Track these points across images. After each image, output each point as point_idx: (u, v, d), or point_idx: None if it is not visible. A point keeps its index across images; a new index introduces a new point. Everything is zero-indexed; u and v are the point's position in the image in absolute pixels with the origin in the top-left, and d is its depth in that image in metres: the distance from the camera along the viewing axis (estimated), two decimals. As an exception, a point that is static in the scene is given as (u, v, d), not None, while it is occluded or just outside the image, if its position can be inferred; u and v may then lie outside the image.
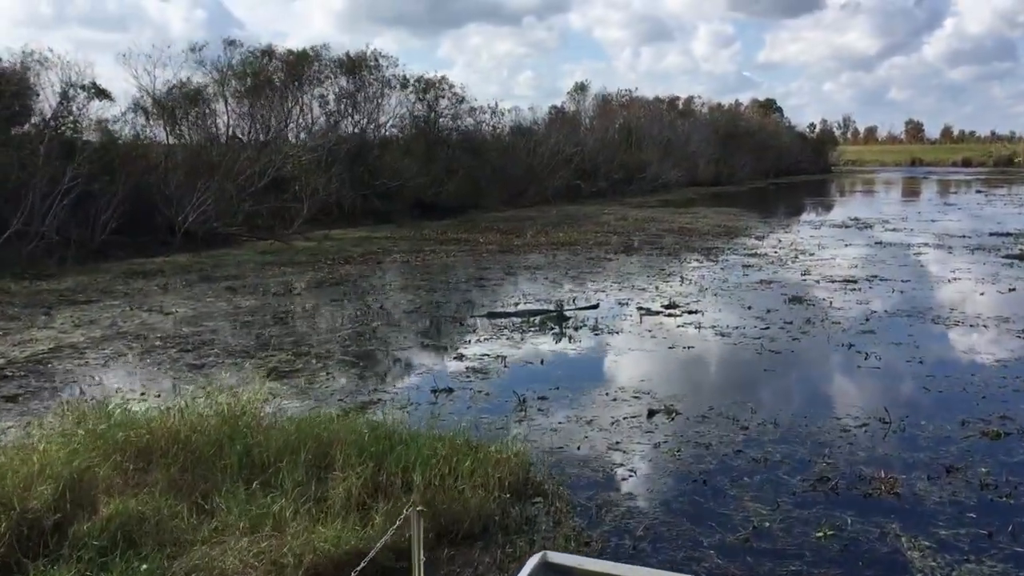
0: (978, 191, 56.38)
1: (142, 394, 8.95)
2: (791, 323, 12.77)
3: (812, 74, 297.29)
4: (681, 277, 17.53)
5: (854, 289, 15.96)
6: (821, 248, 22.81)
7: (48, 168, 18.00)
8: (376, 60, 31.73)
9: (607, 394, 9.17)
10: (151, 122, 25.49)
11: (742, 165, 64.88)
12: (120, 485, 5.86)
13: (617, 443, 7.58)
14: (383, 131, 33.33)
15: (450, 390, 9.26)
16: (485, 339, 11.90)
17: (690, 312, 13.70)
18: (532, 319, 13.11)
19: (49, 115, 21.81)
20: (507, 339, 11.83)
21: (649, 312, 13.75)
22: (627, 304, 14.48)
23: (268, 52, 29.87)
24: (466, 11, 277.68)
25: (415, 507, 3.34)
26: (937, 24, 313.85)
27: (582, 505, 6.18)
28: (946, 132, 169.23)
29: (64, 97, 22.06)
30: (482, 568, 5.23)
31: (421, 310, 14.04)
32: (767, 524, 5.95)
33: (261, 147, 26.27)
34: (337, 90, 31.23)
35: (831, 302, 14.60)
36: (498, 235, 25.85)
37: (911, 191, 61.66)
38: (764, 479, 6.76)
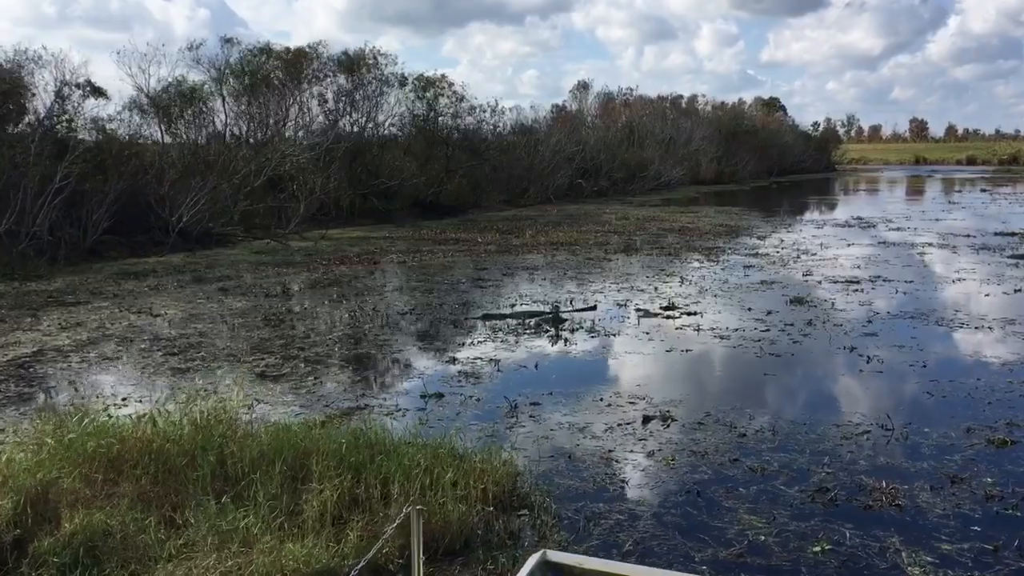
0: (983, 190, 56.03)
1: (123, 399, 8.72)
2: (792, 325, 12.52)
3: (816, 73, 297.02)
4: (681, 277, 17.28)
5: (857, 290, 15.69)
6: (823, 248, 22.54)
7: (39, 167, 17.78)
8: (375, 58, 31.51)
9: (602, 399, 8.91)
10: (147, 121, 25.26)
11: (745, 164, 64.59)
12: (88, 497, 5.62)
13: (610, 451, 7.33)
14: (382, 130, 33.09)
15: (440, 395, 9.01)
16: (479, 342, 11.66)
17: (689, 313, 13.44)
18: (528, 321, 12.86)
19: (44, 114, 21.61)
20: (501, 342, 11.58)
21: (647, 314, 13.50)
22: (625, 305, 14.23)
23: (266, 50, 29.66)
24: (469, 10, 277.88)
25: (415, 506, 3.26)
26: (941, 23, 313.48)
27: (569, 517, 5.93)
28: (950, 131, 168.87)
29: (59, 95, 21.86)
30: (462, 586, 5.00)
31: (415, 312, 13.79)
32: (762, 538, 5.69)
33: (258, 146, 26.02)
34: (336, 88, 31.00)
35: (833, 303, 14.34)
36: (497, 235, 25.60)
37: (915, 190, 61.34)
38: (760, 490, 6.50)
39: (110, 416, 7.67)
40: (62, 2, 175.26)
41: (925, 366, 10.25)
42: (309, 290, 16.09)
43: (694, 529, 5.83)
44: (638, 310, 13.79)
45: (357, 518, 5.22)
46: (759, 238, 25.46)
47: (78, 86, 23.32)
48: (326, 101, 30.70)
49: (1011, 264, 19.25)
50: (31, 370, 9.97)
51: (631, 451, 7.34)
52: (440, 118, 34.41)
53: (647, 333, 12.14)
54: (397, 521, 3.90)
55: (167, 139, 25.55)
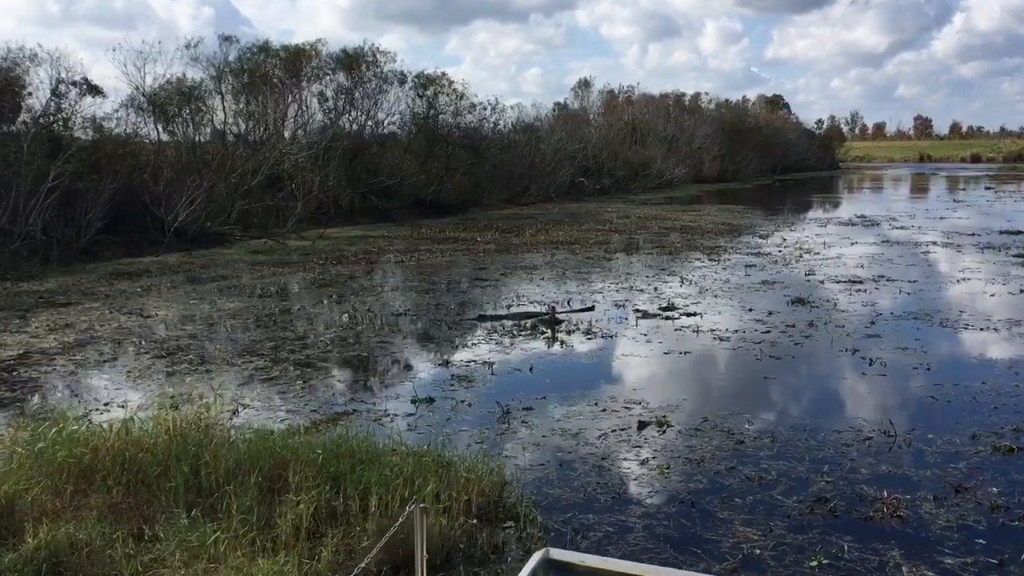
0: (987, 187, 55.67)
1: (105, 404, 8.51)
2: (793, 326, 12.27)
3: (820, 70, 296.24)
4: (681, 277, 17.04)
5: (860, 290, 15.44)
6: (826, 247, 22.28)
7: (32, 166, 17.58)
8: (374, 56, 31.29)
9: (596, 404, 8.68)
10: (144, 119, 25.07)
11: (748, 162, 64.30)
12: (57, 509, 5.42)
13: (602, 459, 7.10)
14: (382, 128, 32.85)
15: (431, 400, 8.79)
16: (473, 344, 11.44)
17: (689, 314, 13.20)
18: (524, 322, 12.63)
19: (39, 112, 21.44)
20: (496, 344, 11.35)
21: (646, 315, 13.26)
22: (624, 306, 13.99)
23: (264, 48, 29.45)
24: (473, 8, 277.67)
25: (418, 504, 3.18)
26: (946, 20, 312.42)
27: (557, 529, 5.69)
28: (955, 128, 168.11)
29: (55, 93, 21.69)
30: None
31: (410, 313, 13.57)
32: (757, 551, 5.46)
33: (255, 145, 25.81)
34: (335, 86, 30.76)
35: (835, 304, 14.10)
36: (497, 234, 25.38)
37: (919, 187, 60.98)
38: (757, 500, 6.27)
39: (90, 422, 7.51)
40: (66, 0, 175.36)
41: (929, 369, 10.01)
42: (304, 290, 15.88)
43: (687, 542, 5.60)
44: (636, 311, 13.56)
45: (333, 532, 5.00)
46: (761, 237, 25.21)
47: (75, 84, 23.17)
48: (326, 99, 30.49)
49: (1016, 263, 18.98)
50: (14, 374, 9.76)
51: (624, 459, 7.11)
52: (440, 116, 34.17)
53: (645, 335, 11.91)
54: (401, 519, 3.84)
55: (165, 138, 25.39)
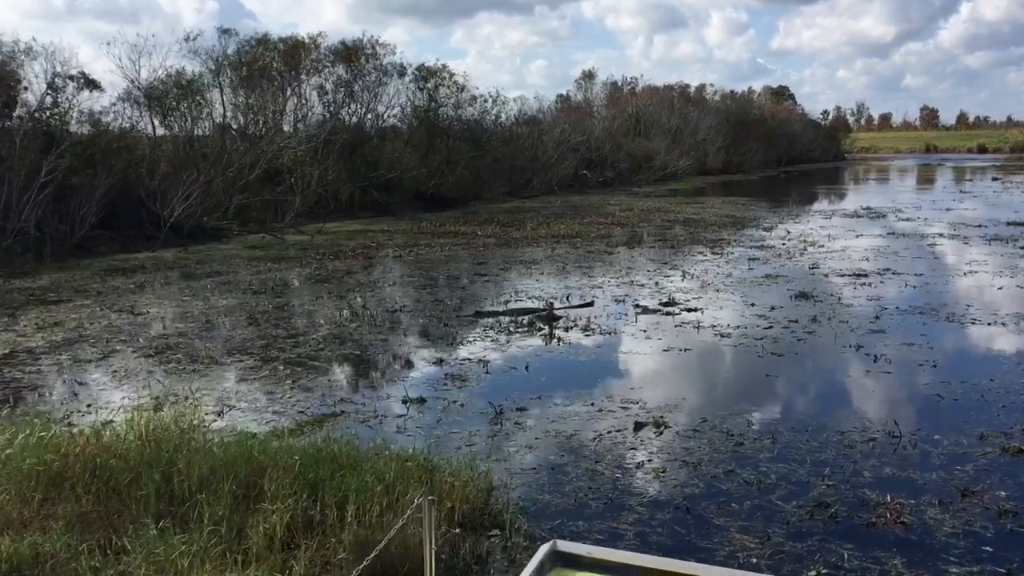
0: (994, 178, 55.19)
1: (88, 406, 8.29)
2: (796, 322, 12.01)
3: (826, 61, 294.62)
4: (683, 271, 16.77)
5: (864, 284, 15.17)
6: (831, 239, 21.97)
7: (25, 161, 17.37)
8: (373, 48, 30.98)
9: (592, 404, 8.44)
10: (141, 113, 24.85)
11: (753, 153, 63.87)
12: (25, 518, 5.21)
13: (596, 462, 6.86)
14: (382, 121, 32.55)
15: (422, 400, 8.56)
16: (469, 341, 11.21)
17: (690, 310, 12.94)
18: (521, 319, 12.39)
19: (34, 106, 21.24)
20: (492, 341, 11.12)
21: (646, 310, 13.01)
22: (624, 301, 13.74)
23: (263, 41, 29.18)
24: (477, 0, 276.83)
25: (427, 496, 3.21)
26: (953, 9, 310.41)
27: (543, 538, 5.41)
28: (961, 118, 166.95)
29: (51, 88, 21.48)
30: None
31: (406, 309, 13.34)
32: (754, 560, 5.23)
33: (253, 138, 25.57)
34: (335, 79, 30.47)
35: (840, 298, 13.83)
36: (498, 228, 25.11)
37: (925, 179, 60.53)
38: (755, 505, 6.03)
39: (70, 425, 7.32)
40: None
41: (935, 365, 9.74)
42: (299, 287, 15.66)
43: (680, 550, 5.35)
44: (636, 306, 13.31)
45: (308, 543, 4.77)
46: (765, 229, 24.91)
47: (71, 78, 22.96)
48: (325, 92, 30.20)
49: (1025, 255, 18.68)
50: (-2, 374, 9.56)
51: (619, 462, 6.87)
52: (441, 109, 33.84)
53: (644, 331, 11.66)
54: (409, 512, 3.86)
55: (162, 132, 25.16)
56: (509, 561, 5.10)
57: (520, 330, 11.73)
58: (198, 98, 26.51)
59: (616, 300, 13.84)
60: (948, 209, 31.63)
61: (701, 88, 73.32)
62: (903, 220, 27.40)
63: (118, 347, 10.76)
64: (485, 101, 36.14)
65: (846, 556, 5.29)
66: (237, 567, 4.51)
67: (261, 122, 27.66)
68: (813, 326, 11.76)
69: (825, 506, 6.01)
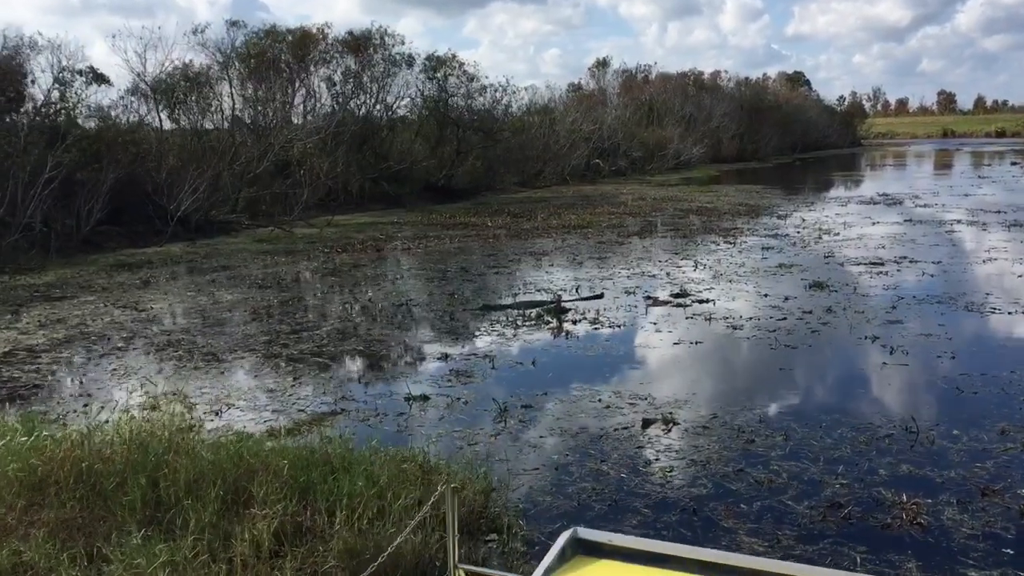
0: (1013, 163, 54.45)
1: (85, 406, 8.14)
2: (810, 312, 11.74)
3: (842, 46, 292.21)
4: (695, 261, 16.50)
5: (881, 272, 14.85)
6: (847, 227, 21.61)
7: (29, 156, 17.26)
8: (381, 38, 30.71)
9: (600, 400, 8.21)
10: (149, 107, 24.73)
11: (767, 140, 63.31)
12: (8, 526, 5.05)
13: (601, 462, 6.64)
14: (391, 112, 32.32)
15: (425, 397, 8.35)
16: (475, 336, 11.00)
17: (701, 301, 12.69)
18: (529, 312, 12.17)
19: (41, 101, 21.17)
20: (499, 335, 10.91)
21: (656, 302, 12.76)
22: (634, 293, 13.49)
23: (271, 32, 28.99)
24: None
25: (449, 485, 3.21)
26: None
27: (542, 542, 5.23)
28: (979, 102, 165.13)
29: (58, 82, 21.40)
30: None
31: (412, 303, 13.14)
32: (765, 567, 4.99)
33: (261, 131, 25.41)
34: (343, 70, 30.24)
35: (855, 287, 13.52)
36: (508, 218, 24.88)
37: (943, 164, 59.81)
38: (765, 506, 5.80)
39: (64, 426, 7.17)
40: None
41: (954, 357, 9.45)
42: (306, 280, 15.50)
43: (687, 556, 5.12)
44: (647, 298, 13.06)
45: (296, 552, 4.59)
46: (779, 218, 24.57)
47: (80, 72, 22.89)
48: (334, 84, 29.98)
49: (1045, 242, 18.27)
50: (-3, 373, 9.43)
51: (625, 461, 6.65)
52: (451, 99, 33.54)
53: (655, 323, 11.42)
54: (432, 499, 3.86)
55: (170, 125, 25.04)
56: (507, 567, 4.89)
57: (528, 323, 11.52)
58: (206, 91, 26.34)
59: (626, 291, 13.60)
60: (966, 195, 31.15)
61: (715, 75, 72.62)
62: (920, 206, 26.97)
63: (119, 344, 10.62)
64: (496, 90, 35.85)
65: (859, 560, 5.06)
66: (222, 577, 4.33)
67: (270, 114, 27.48)
68: (828, 317, 11.49)
69: (838, 506, 5.78)
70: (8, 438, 5.55)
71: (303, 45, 28.98)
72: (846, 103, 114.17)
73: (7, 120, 19.33)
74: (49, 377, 9.25)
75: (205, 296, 13.72)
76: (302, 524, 4.85)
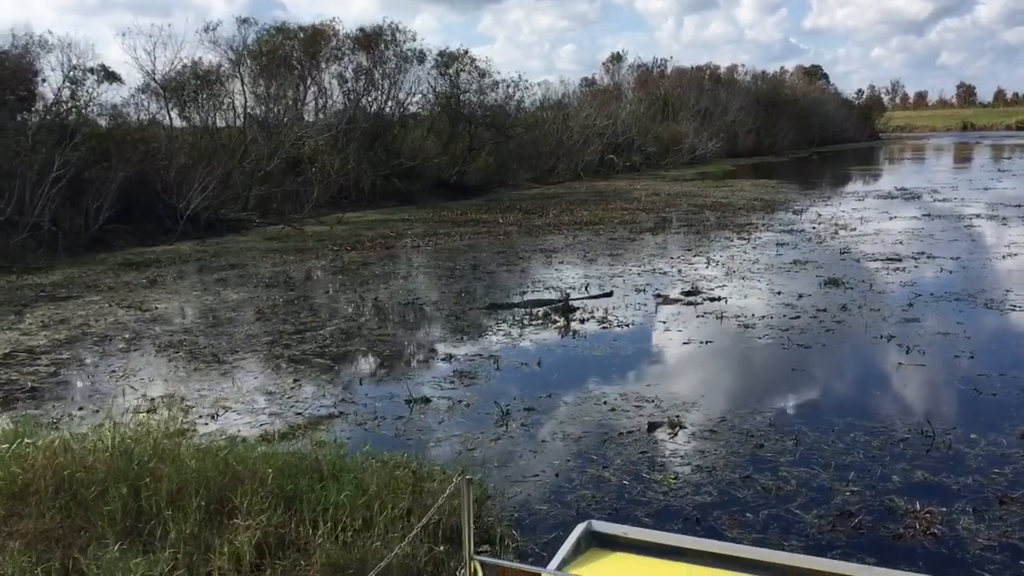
0: (1035, 156, 53.64)
1: (80, 409, 8.01)
2: (825, 311, 11.46)
3: (861, 39, 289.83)
4: (708, 258, 16.23)
5: (898, 269, 14.53)
6: (863, 222, 21.25)
7: (38, 155, 17.19)
8: (393, 34, 30.53)
9: (605, 403, 8.00)
10: (160, 105, 24.68)
11: (784, 134, 62.72)
12: (-12, 537, 4.90)
13: (603, 468, 6.43)
14: (403, 108, 32.11)
15: (427, 400, 8.17)
16: (481, 335, 10.80)
17: (713, 299, 12.43)
18: (536, 311, 11.95)
19: (52, 100, 21.15)
20: (504, 335, 10.70)
21: (667, 300, 12.52)
22: (644, 291, 13.25)
23: (282, 29, 28.88)
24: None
25: (464, 475, 3.23)
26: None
27: (536, 554, 5.03)
28: (999, 95, 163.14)
29: (70, 80, 21.38)
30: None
31: (418, 303, 12.95)
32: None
33: (271, 129, 25.29)
34: (355, 67, 30.08)
35: (871, 284, 13.22)
36: (520, 215, 24.66)
37: (962, 157, 59.07)
38: (772, 515, 5.57)
39: (56, 429, 7.02)
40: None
41: (972, 357, 9.16)
42: (313, 279, 15.34)
43: (689, 569, 4.91)
44: (657, 296, 12.82)
45: (279, 564, 4.40)
46: (795, 213, 24.22)
47: (91, 71, 22.89)
48: (345, 81, 29.83)
49: (1068, 236, 17.87)
50: (-5, 375, 9.31)
51: (628, 468, 6.43)
52: (464, 95, 33.29)
53: (664, 323, 11.19)
54: (448, 490, 3.94)
55: (181, 124, 24.99)
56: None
57: (535, 323, 11.31)
58: (216, 88, 26.25)
59: (636, 289, 13.36)
60: (986, 188, 30.65)
61: (732, 69, 71.96)
62: (939, 201, 26.54)
63: (121, 346, 10.49)
64: (508, 86, 35.58)
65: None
66: (198, 594, 4.16)
67: (282, 111, 27.36)
68: (843, 315, 11.21)
69: (849, 515, 5.54)
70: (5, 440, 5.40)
71: (314, 42, 28.85)
72: (864, 96, 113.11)
73: (18, 119, 19.27)
74: (47, 380, 9.12)
75: (211, 295, 13.59)
76: (285, 536, 4.67)
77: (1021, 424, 7.08)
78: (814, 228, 20.38)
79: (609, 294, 12.93)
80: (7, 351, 10.19)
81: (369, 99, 30.06)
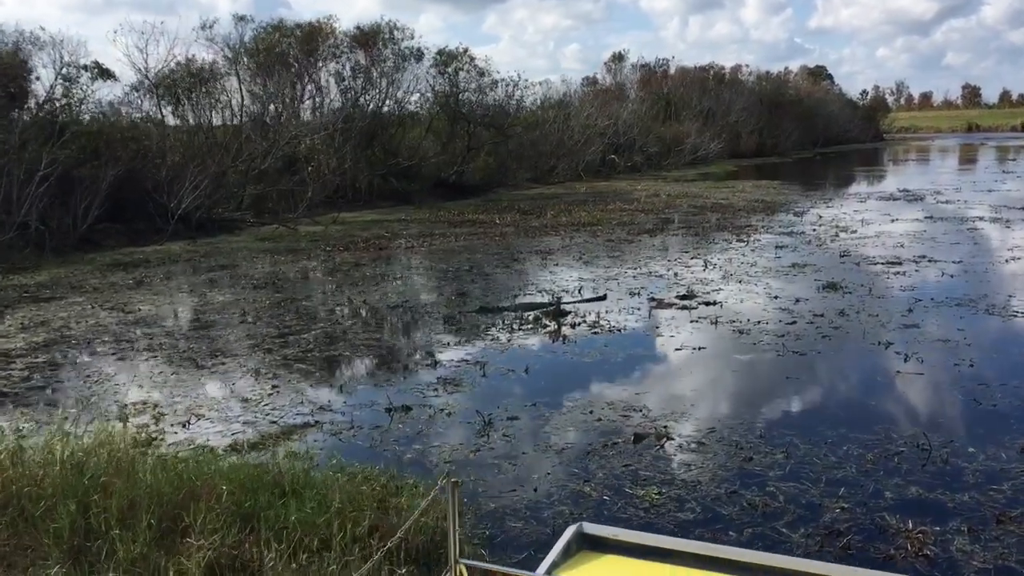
0: (1040, 158, 53.27)
1: (50, 416, 7.74)
2: (822, 316, 11.19)
3: (866, 39, 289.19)
4: (705, 261, 15.95)
5: (898, 272, 14.25)
6: (865, 224, 20.96)
7: (25, 152, 16.96)
8: (391, 32, 30.28)
9: (591, 412, 7.73)
10: (154, 103, 24.45)
11: (787, 135, 62.40)
12: (-70, 556, 4.66)
13: (585, 482, 6.16)
14: (401, 107, 31.86)
15: (407, 408, 7.90)
16: (468, 340, 10.54)
17: (708, 303, 12.16)
18: (527, 314, 11.69)
19: (44, 97, 20.94)
20: (493, 340, 10.44)
21: (661, 304, 12.25)
22: (638, 294, 12.98)
23: (278, 27, 28.65)
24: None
25: (450, 478, 3.19)
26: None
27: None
28: (1005, 96, 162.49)
29: (63, 78, 21.17)
30: None
31: (407, 305, 12.69)
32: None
33: (265, 127, 25.05)
34: (352, 65, 29.85)
35: (871, 289, 12.94)
36: (517, 216, 24.39)
37: (967, 158, 58.70)
38: (756, 534, 5.31)
39: (23, 438, 6.78)
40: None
41: (972, 366, 8.88)
42: (302, 281, 15.08)
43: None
44: (651, 300, 12.55)
45: (228, 592, 4.16)
46: (796, 214, 23.93)
47: (85, 68, 22.67)
48: (343, 79, 29.59)
49: (1072, 240, 17.56)
50: (-33, 379, 9.07)
51: (610, 482, 6.16)
52: (463, 94, 33.01)
53: (657, 328, 10.92)
54: (432, 493, 3.82)
55: (175, 122, 24.76)
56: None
57: (525, 327, 11.04)
58: (211, 86, 26.01)
59: (631, 293, 13.09)
60: (990, 190, 30.34)
61: (736, 69, 71.65)
62: (942, 203, 26.23)
63: (99, 349, 10.24)
64: (508, 85, 35.31)
65: (858, 600, 4.55)
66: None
67: (278, 109, 27.12)
68: (840, 321, 10.94)
69: (837, 535, 5.28)
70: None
71: (311, 39, 28.61)
72: (869, 97, 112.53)
73: (11, 116, 19.03)
74: (19, 385, 8.87)
75: (196, 297, 13.36)
76: (238, 557, 4.41)
77: (1021, 437, 6.81)
78: (814, 230, 20.10)
79: (603, 297, 12.67)
80: (-18, 354, 9.95)
81: (367, 98, 29.81)
